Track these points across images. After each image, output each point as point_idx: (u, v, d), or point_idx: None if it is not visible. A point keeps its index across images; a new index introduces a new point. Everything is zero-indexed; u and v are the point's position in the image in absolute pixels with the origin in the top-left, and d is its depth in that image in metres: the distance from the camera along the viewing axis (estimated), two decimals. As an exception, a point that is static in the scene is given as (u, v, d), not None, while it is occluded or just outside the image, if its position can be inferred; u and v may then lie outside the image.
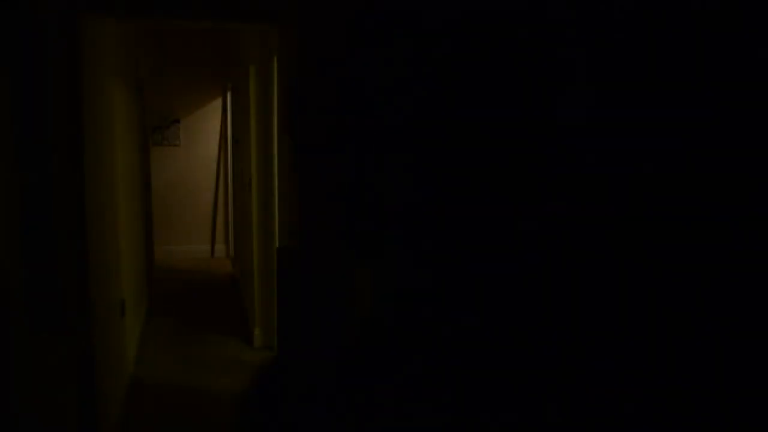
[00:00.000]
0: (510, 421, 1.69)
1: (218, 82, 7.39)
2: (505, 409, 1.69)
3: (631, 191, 1.65)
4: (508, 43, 1.59)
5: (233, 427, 3.60)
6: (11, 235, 2.71)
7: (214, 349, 4.68)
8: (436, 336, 1.67)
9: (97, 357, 2.95)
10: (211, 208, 7.79)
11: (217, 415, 3.68)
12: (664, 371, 1.69)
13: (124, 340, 4.01)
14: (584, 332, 1.68)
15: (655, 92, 1.62)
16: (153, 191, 7.00)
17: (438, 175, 1.63)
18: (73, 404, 2.72)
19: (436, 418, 1.67)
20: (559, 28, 1.60)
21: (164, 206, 7.46)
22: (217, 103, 7.47)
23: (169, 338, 4.93)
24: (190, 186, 7.54)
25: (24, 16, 3.03)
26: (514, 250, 1.66)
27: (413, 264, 1.63)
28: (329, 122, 1.64)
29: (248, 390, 3.64)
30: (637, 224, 1.65)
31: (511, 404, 1.69)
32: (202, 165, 7.57)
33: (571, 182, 1.66)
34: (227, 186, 7.62)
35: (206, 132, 7.58)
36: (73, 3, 3.60)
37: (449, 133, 1.60)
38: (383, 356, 1.65)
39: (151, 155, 7.02)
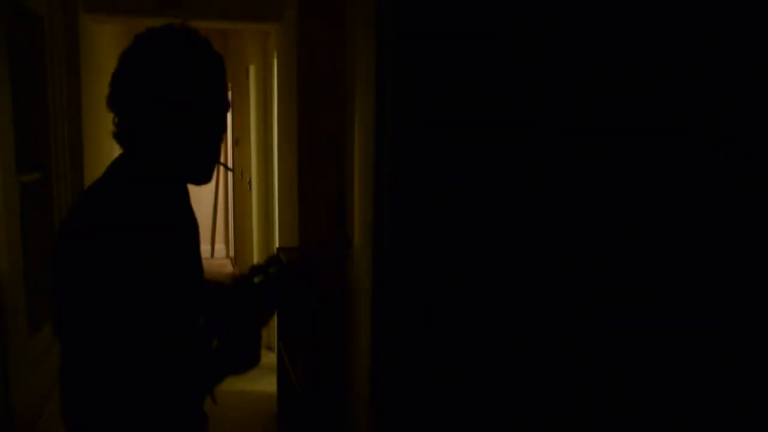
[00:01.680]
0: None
1: (218, 82, 7.36)
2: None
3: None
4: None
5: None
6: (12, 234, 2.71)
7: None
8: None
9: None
10: (211, 208, 7.79)
11: (216, 416, 3.67)
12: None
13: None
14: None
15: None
16: (153, 191, 6.96)
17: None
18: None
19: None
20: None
21: (164, 206, 7.42)
22: (217, 103, 7.44)
23: (169, 338, 4.91)
24: (190, 185, 7.50)
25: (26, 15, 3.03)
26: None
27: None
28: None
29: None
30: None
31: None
32: (202, 165, 7.55)
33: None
34: (227, 186, 7.62)
35: (206, 132, 7.58)
36: (73, 2, 3.60)
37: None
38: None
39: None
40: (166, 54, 1.17)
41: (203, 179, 1.26)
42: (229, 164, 7.41)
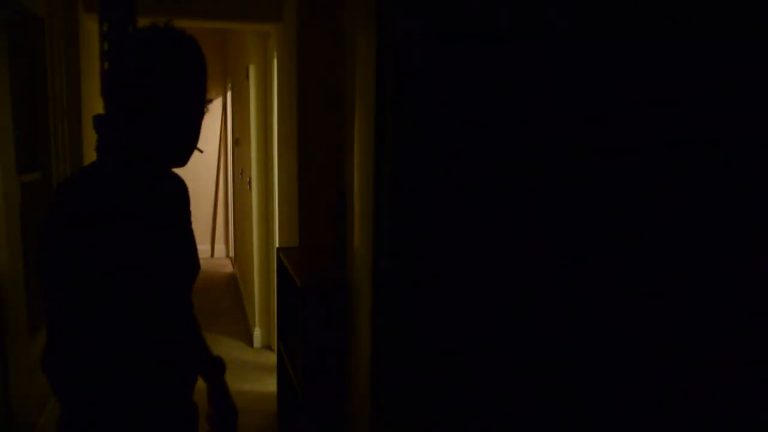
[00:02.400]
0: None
1: (218, 82, 7.39)
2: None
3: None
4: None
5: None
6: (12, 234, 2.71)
7: (214, 349, 4.66)
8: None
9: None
10: (211, 208, 7.79)
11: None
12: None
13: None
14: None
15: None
16: (153, 191, 6.96)
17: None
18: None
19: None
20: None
21: (164, 206, 7.42)
22: (217, 103, 7.46)
23: (169, 338, 4.91)
24: (190, 185, 7.48)
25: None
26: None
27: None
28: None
29: None
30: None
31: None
32: (202, 165, 7.57)
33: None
34: (227, 186, 7.62)
35: (206, 132, 7.54)
36: (73, 2, 3.60)
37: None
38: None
39: (151, 155, 6.99)
40: (151, 50, 1.29)
41: (180, 162, 1.36)
42: (229, 164, 7.43)
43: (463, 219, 1.61)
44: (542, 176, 1.61)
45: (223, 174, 7.70)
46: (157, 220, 1.35)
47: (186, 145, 1.35)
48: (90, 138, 3.87)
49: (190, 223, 1.54)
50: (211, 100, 1.42)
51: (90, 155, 3.83)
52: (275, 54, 4.17)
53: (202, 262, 1.50)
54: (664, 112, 1.62)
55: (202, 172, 7.59)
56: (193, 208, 1.54)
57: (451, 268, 1.62)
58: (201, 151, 1.41)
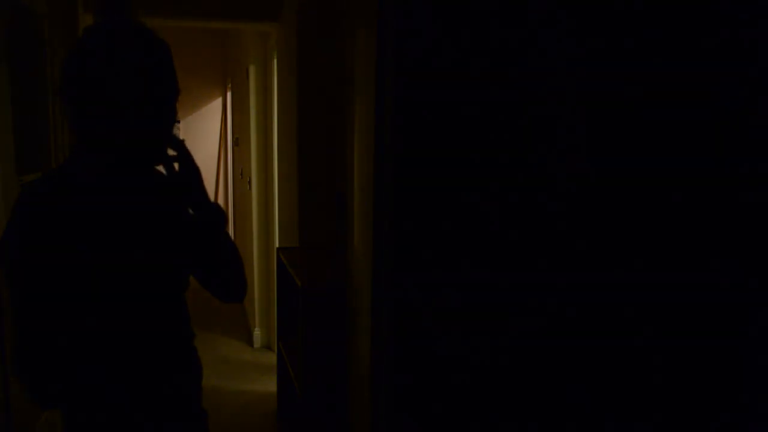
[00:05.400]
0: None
1: (218, 82, 7.38)
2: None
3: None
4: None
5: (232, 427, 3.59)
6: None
7: (214, 349, 4.67)
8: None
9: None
10: (211, 208, 7.78)
11: (216, 416, 3.68)
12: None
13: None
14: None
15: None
16: (153, 191, 6.96)
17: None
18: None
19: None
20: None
21: (164, 206, 7.42)
22: (217, 103, 7.46)
23: (169, 338, 4.91)
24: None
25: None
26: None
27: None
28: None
29: None
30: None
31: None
32: (201, 165, 7.45)
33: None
34: (227, 186, 7.62)
35: (206, 132, 7.58)
36: (73, 2, 3.60)
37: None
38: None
39: (151, 155, 6.99)
40: (108, 48, 1.24)
41: (144, 162, 1.37)
42: (229, 164, 7.43)
43: (463, 219, 1.61)
44: (545, 176, 1.61)
45: (223, 174, 7.70)
46: (112, 222, 1.30)
47: (143, 144, 1.30)
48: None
49: (176, 217, 1.52)
50: (179, 92, 1.33)
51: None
52: (275, 54, 4.17)
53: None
54: (665, 111, 1.62)
55: (202, 172, 7.57)
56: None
57: (452, 268, 1.62)
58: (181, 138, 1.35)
